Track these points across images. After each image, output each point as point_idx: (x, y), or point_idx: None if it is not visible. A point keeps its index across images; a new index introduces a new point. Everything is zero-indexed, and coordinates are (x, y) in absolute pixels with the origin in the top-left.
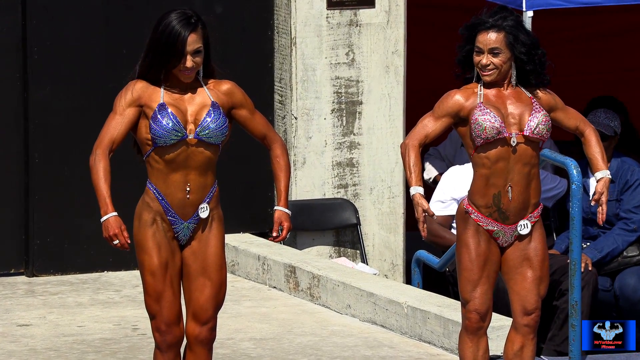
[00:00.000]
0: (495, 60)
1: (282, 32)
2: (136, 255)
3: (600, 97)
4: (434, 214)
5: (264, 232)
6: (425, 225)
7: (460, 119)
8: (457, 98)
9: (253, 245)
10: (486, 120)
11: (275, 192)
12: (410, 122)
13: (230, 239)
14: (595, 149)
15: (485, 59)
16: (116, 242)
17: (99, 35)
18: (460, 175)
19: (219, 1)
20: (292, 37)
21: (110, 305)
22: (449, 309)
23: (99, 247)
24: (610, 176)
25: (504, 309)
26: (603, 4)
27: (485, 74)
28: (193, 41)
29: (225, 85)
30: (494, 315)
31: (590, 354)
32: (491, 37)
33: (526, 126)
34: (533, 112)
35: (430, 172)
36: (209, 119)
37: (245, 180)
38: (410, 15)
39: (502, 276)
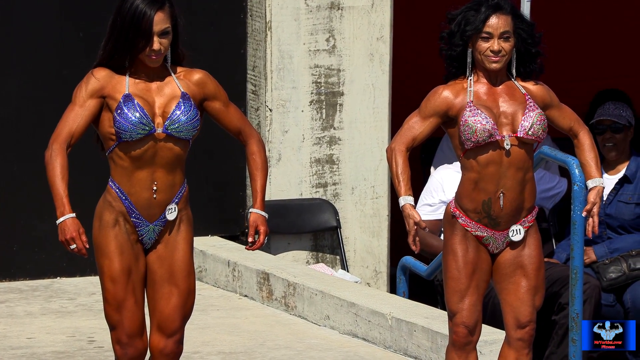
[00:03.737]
0: (506, 45)
1: (255, 15)
2: (95, 259)
3: (606, 90)
4: (426, 227)
5: (235, 235)
6: (417, 239)
7: (449, 118)
8: (445, 95)
9: (222, 250)
10: (477, 122)
11: (247, 191)
12: (396, 115)
13: (198, 242)
14: (589, 153)
15: (496, 45)
16: (73, 246)
17: (52, 16)
18: (450, 175)
19: None
20: (267, 20)
21: (64, 314)
22: (438, 320)
23: (51, 250)
24: (603, 185)
25: (499, 321)
26: None
27: (495, 59)
28: (160, 20)
29: (197, 75)
30: (487, 329)
31: None
32: (501, 20)
33: (519, 127)
34: (527, 110)
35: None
36: (178, 112)
37: (213, 178)
38: None
39: (494, 285)
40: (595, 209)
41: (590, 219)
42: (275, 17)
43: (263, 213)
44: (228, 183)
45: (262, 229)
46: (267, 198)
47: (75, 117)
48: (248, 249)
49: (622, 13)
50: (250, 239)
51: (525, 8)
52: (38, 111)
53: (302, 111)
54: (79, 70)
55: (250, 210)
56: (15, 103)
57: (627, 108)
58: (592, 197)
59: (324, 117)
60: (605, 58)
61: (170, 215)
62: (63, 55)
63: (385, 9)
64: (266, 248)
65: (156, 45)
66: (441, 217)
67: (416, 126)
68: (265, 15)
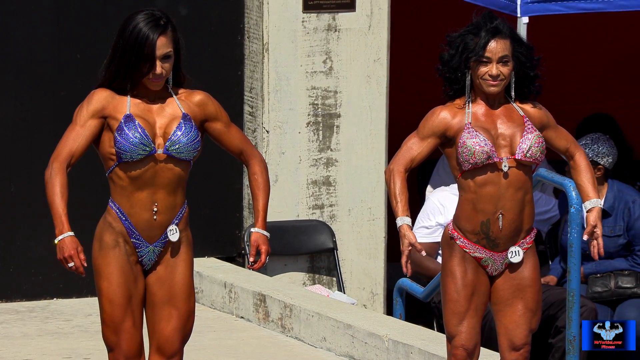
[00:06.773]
0: (505, 69)
1: (253, 37)
2: (95, 280)
3: (591, 115)
4: (422, 249)
5: (231, 256)
6: (409, 262)
7: (447, 139)
8: (442, 116)
9: (219, 271)
10: (475, 144)
11: (244, 213)
12: (393, 137)
13: (194, 263)
14: (585, 175)
15: (495, 69)
16: (71, 264)
17: (49, 36)
18: (447, 197)
19: (183, 2)
20: (264, 42)
21: (60, 336)
22: (434, 342)
23: (47, 271)
24: (602, 205)
25: (495, 344)
26: (605, 9)
27: (493, 83)
28: (162, 45)
29: (198, 96)
30: (484, 351)
31: None
32: (500, 45)
33: (518, 149)
34: (525, 132)
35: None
36: (179, 133)
37: (210, 199)
38: (394, 20)
39: (491, 307)
40: (598, 231)
41: (594, 241)
42: (273, 39)
43: (264, 232)
44: (224, 204)
45: (263, 248)
46: None
47: (76, 137)
48: (249, 268)
49: (617, 35)
50: (251, 259)
51: (522, 30)
52: (35, 132)
53: (299, 133)
54: (77, 91)
55: (252, 229)
56: (12, 124)
57: (600, 143)
58: (591, 219)
59: (320, 139)
60: (597, 82)
61: (173, 236)
62: (60, 77)
63: (382, 31)
64: (262, 269)
65: (159, 70)
66: (438, 239)
67: (414, 147)
68: (263, 37)
